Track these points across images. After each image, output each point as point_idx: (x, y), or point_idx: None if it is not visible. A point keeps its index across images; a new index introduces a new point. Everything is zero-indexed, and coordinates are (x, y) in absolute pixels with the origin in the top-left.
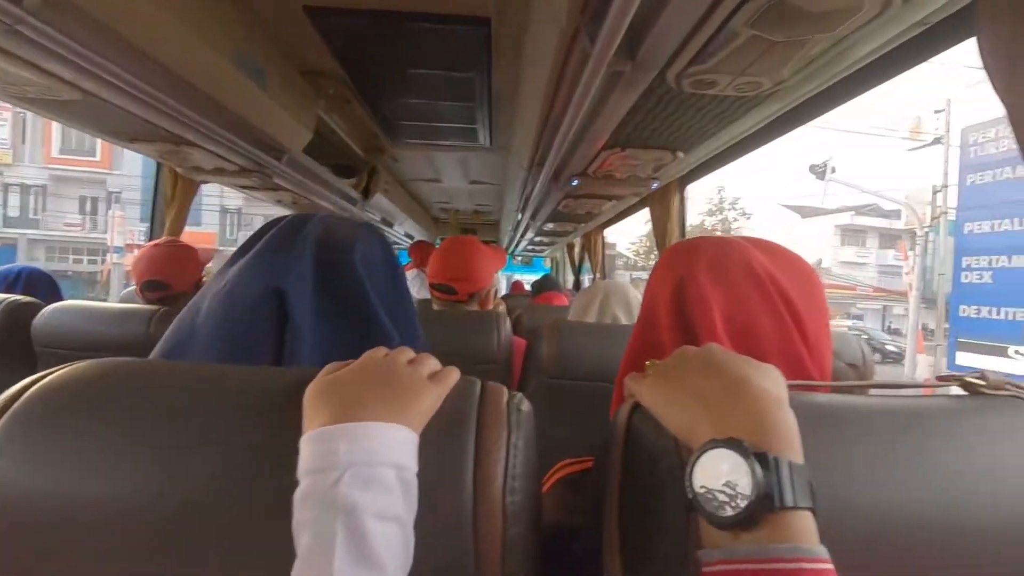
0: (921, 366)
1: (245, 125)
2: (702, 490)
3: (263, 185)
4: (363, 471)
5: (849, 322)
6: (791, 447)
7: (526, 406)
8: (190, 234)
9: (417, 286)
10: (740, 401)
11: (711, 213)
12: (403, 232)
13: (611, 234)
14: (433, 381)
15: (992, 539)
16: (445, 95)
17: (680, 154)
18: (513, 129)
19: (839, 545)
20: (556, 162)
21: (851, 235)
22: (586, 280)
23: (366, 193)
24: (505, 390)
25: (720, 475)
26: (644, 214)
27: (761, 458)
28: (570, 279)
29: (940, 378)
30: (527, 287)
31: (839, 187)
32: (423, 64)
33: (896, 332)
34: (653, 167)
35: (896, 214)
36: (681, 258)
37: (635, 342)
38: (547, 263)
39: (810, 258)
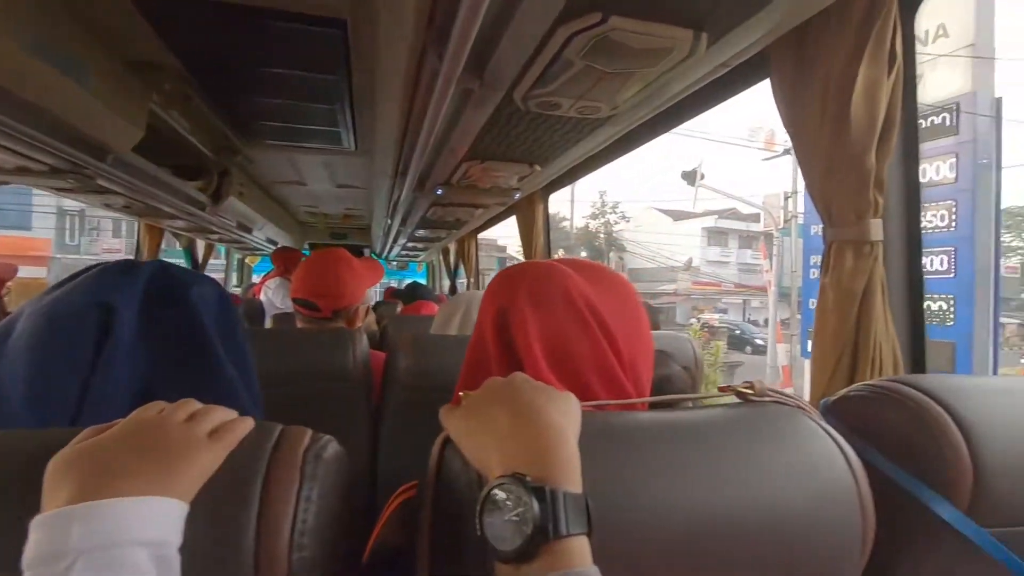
0: (780, 354)
1: (53, 120)
2: (490, 525)
3: (83, 188)
4: (101, 555)
5: (718, 315)
6: (569, 477)
7: (330, 452)
8: (17, 240)
9: (281, 295)
10: (526, 435)
11: (594, 216)
12: (264, 237)
13: (501, 237)
14: (214, 438)
15: (759, 532)
16: (304, 96)
17: (537, 167)
18: (376, 135)
19: (631, 553)
20: (419, 171)
21: (716, 236)
22: (461, 286)
23: (216, 197)
24: (308, 436)
25: (505, 510)
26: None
27: (539, 492)
28: (446, 284)
29: (720, 389)
30: None
31: (709, 192)
32: (277, 62)
33: (754, 323)
34: (515, 178)
35: (754, 217)
36: (505, 285)
37: (466, 365)
38: (421, 268)
39: (683, 257)
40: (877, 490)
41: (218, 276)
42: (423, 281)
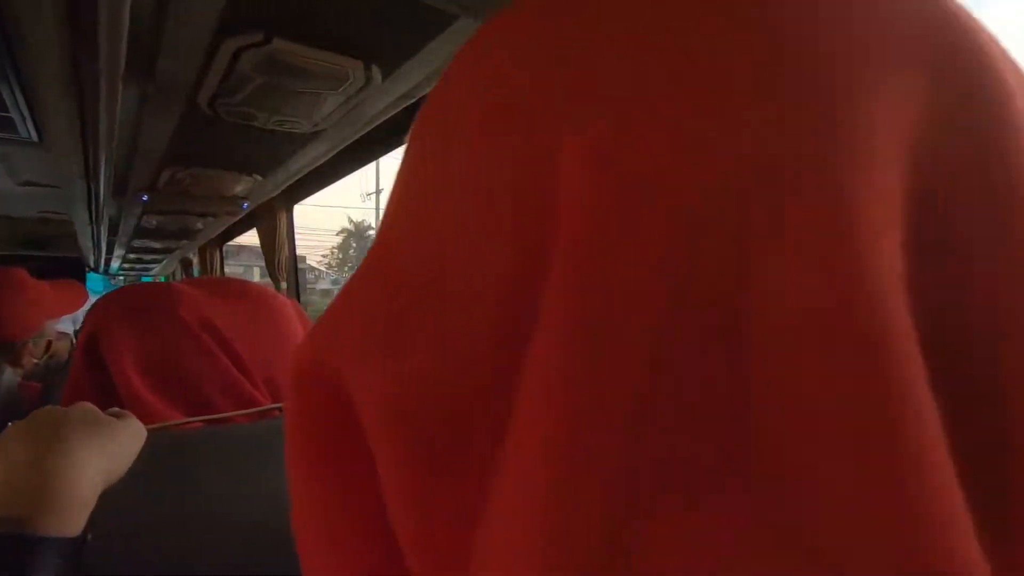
0: None
1: None
2: None
3: None
4: None
5: None
6: (63, 520)
7: None
8: None
9: None
10: (31, 473)
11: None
12: None
13: (300, 248)
14: None
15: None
16: None
17: (259, 177)
18: (57, 127)
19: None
20: (112, 173)
21: None
22: None
23: None
24: None
25: None
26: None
27: (17, 538)
28: None
29: None
30: None
31: None
32: None
33: None
34: (237, 187)
35: None
36: (100, 308)
37: (64, 396)
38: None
39: None
40: None
41: None
42: None
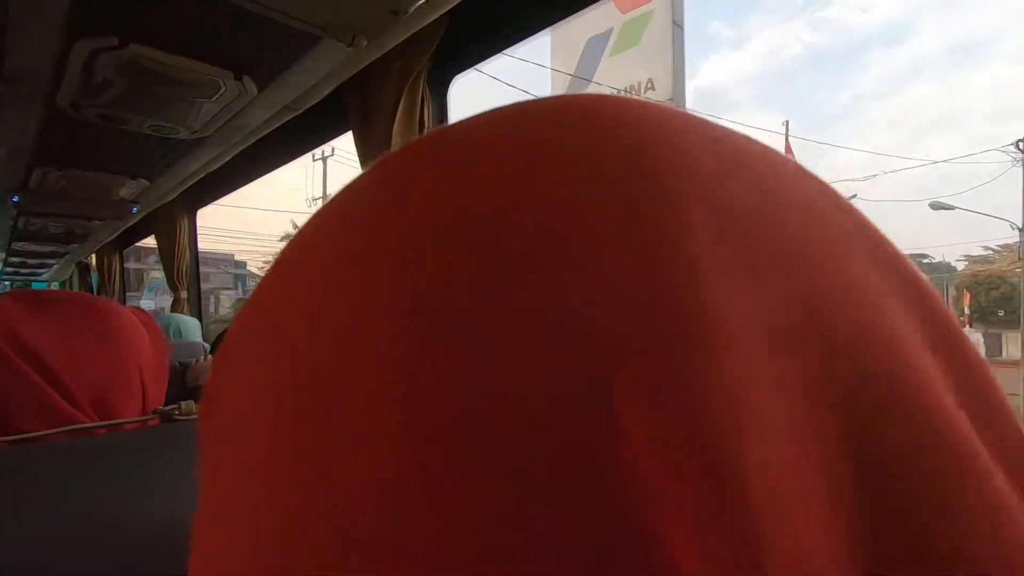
0: None
1: None
2: None
3: None
4: None
5: None
6: None
7: None
8: None
9: None
10: None
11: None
12: None
13: (239, 252)
14: None
15: (167, 546)
16: None
17: (144, 181)
18: None
19: None
20: None
21: None
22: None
23: None
24: None
25: None
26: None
27: None
28: None
29: (152, 411)
30: None
31: None
32: None
33: None
34: (121, 191)
35: None
36: None
37: None
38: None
39: None
40: None
41: None
42: None
